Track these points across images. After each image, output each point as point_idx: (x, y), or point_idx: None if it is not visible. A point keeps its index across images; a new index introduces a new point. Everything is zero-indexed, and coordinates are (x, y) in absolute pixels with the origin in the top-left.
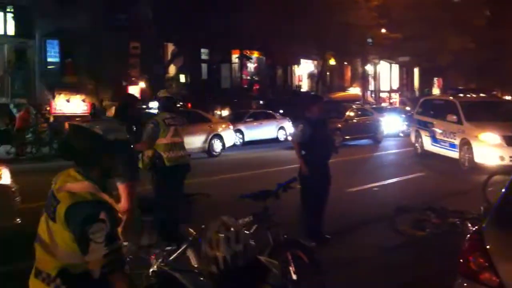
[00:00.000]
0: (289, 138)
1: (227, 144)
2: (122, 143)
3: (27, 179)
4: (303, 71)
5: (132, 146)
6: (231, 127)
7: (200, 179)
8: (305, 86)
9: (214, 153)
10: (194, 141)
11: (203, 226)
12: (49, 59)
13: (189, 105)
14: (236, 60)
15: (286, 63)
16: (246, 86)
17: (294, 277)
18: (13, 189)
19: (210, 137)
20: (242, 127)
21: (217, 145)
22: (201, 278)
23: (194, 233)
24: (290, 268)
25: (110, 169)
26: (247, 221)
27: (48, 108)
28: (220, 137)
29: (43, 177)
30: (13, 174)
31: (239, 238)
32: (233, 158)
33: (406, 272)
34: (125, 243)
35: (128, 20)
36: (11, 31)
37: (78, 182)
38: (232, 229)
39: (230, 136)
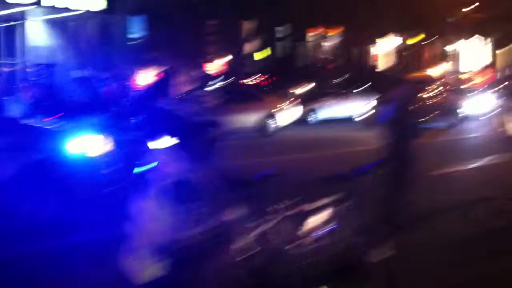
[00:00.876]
0: (357, 118)
1: (282, 124)
2: None
3: None
4: (380, 50)
5: None
6: (288, 105)
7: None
8: (381, 66)
9: (267, 132)
10: (247, 120)
11: (281, 205)
12: (131, 35)
13: (267, 82)
14: (312, 39)
15: (363, 42)
16: (320, 65)
17: None
18: None
19: (263, 116)
20: (315, 106)
21: (271, 124)
22: None
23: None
24: None
25: None
26: (325, 203)
27: (128, 83)
28: (273, 117)
29: None
30: None
31: None
32: (299, 138)
33: (479, 266)
34: None
35: None
36: (96, 6)
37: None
38: None
39: (285, 116)
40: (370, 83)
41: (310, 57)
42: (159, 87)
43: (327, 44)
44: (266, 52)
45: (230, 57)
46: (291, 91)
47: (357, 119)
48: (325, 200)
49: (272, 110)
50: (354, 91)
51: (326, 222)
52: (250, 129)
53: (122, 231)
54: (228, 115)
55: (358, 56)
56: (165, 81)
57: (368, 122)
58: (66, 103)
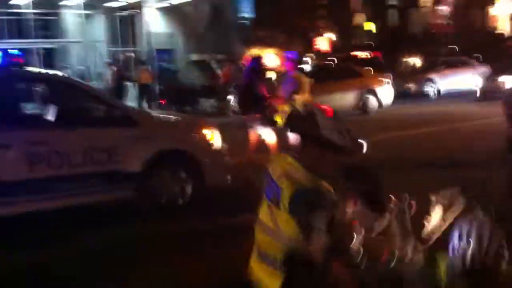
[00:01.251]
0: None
1: (384, 102)
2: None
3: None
4: (500, 11)
5: None
6: (389, 81)
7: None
8: (504, 29)
9: (368, 110)
10: (345, 98)
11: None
12: (243, 15)
13: (379, 54)
14: (425, 4)
15: (482, 3)
16: (434, 31)
17: None
18: (224, 151)
19: (362, 93)
20: (434, 76)
21: (372, 102)
22: None
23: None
24: None
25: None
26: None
27: (243, 63)
28: (374, 93)
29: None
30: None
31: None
32: (406, 113)
33: None
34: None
35: None
36: None
37: (297, 170)
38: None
39: (386, 92)
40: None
41: (424, 24)
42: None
43: (441, 8)
44: (378, 21)
45: (338, 30)
46: (404, 61)
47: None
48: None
49: (375, 85)
50: (477, 58)
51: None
52: (351, 108)
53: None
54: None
55: (479, 19)
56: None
57: (489, 95)
58: (184, 87)
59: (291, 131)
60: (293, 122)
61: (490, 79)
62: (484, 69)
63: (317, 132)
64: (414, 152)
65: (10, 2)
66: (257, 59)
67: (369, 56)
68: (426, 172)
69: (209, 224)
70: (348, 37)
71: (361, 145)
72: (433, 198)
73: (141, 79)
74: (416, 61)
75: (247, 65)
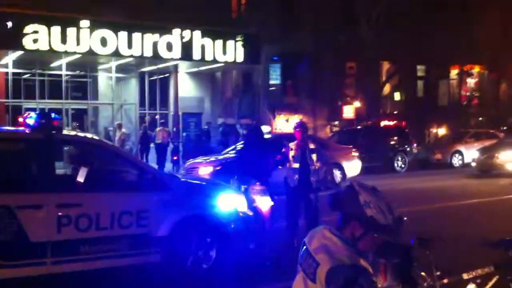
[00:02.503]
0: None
1: (349, 175)
2: None
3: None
4: None
5: None
6: (356, 154)
7: None
8: None
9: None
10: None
11: (438, 272)
12: (271, 82)
13: (404, 123)
14: (455, 76)
15: (510, 75)
16: (465, 103)
17: None
18: (249, 216)
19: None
20: (461, 148)
21: (336, 175)
22: None
23: (429, 279)
24: None
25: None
26: (487, 271)
27: (269, 128)
28: (339, 166)
29: None
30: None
31: None
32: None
33: None
34: None
35: (346, 41)
36: (239, 57)
37: (336, 245)
38: None
39: (353, 166)
40: None
41: (454, 95)
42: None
43: (472, 81)
44: (406, 91)
45: (368, 98)
46: (431, 131)
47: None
48: (488, 269)
49: (341, 159)
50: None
51: None
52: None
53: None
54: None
55: (508, 91)
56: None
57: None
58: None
59: (333, 209)
60: (336, 199)
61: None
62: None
63: (360, 211)
64: (444, 227)
65: (51, 65)
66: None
67: (393, 125)
68: (458, 247)
69: None
70: (375, 105)
71: (402, 221)
72: (465, 276)
73: (158, 139)
74: (443, 132)
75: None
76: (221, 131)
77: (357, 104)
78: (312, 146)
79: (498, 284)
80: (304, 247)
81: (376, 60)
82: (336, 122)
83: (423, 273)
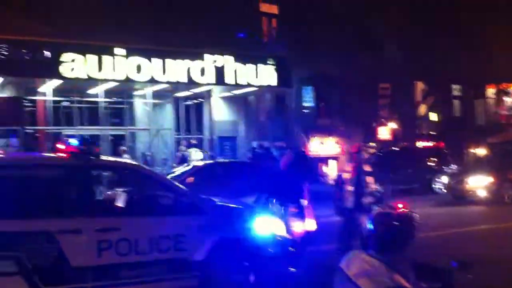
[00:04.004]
0: None
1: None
2: None
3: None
4: None
5: None
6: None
7: None
8: None
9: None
10: None
11: None
12: (304, 104)
13: (442, 144)
14: (492, 95)
15: None
16: (504, 122)
17: None
18: (286, 240)
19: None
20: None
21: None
22: None
23: None
24: None
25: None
26: None
27: (304, 150)
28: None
29: None
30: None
31: None
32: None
33: None
34: None
35: (378, 61)
36: (272, 81)
37: (377, 268)
38: None
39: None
40: None
41: (491, 115)
42: None
43: (509, 99)
44: (442, 112)
45: (404, 119)
46: (470, 151)
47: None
48: None
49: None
50: None
51: None
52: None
53: None
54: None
55: None
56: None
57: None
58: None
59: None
60: (386, 222)
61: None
62: None
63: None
64: (485, 249)
65: (88, 92)
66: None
67: (431, 146)
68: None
69: None
70: (411, 126)
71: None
72: None
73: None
74: (481, 152)
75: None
76: (252, 155)
77: (392, 125)
78: (368, 168)
79: None
80: (340, 272)
81: (410, 80)
82: (372, 144)
83: None
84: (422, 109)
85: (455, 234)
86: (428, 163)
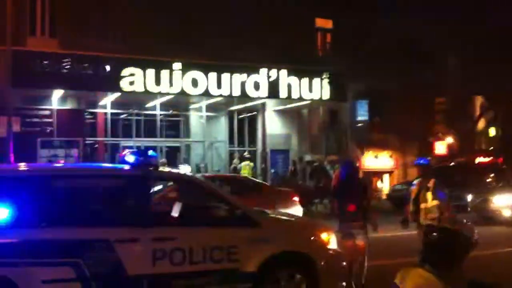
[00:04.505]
0: None
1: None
2: None
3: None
4: None
5: None
6: (297, 199)
7: None
8: None
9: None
10: None
11: None
12: (358, 118)
13: (501, 159)
14: None
15: None
16: None
17: None
18: (340, 255)
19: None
20: None
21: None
22: None
23: None
24: None
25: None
26: None
27: (357, 164)
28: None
29: None
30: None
31: None
32: None
33: None
34: None
35: (435, 76)
36: (325, 94)
37: (432, 283)
38: None
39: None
40: None
41: None
42: None
43: None
44: (502, 126)
45: (461, 134)
46: None
47: None
48: None
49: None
50: None
51: None
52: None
53: None
54: None
55: None
56: None
57: None
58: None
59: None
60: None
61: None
62: None
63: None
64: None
65: (146, 105)
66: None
67: (489, 161)
68: None
69: None
70: (469, 141)
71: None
72: None
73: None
74: None
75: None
76: (310, 172)
77: (449, 140)
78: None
79: None
80: (394, 286)
81: (467, 94)
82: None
83: None
84: (481, 124)
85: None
86: (486, 179)
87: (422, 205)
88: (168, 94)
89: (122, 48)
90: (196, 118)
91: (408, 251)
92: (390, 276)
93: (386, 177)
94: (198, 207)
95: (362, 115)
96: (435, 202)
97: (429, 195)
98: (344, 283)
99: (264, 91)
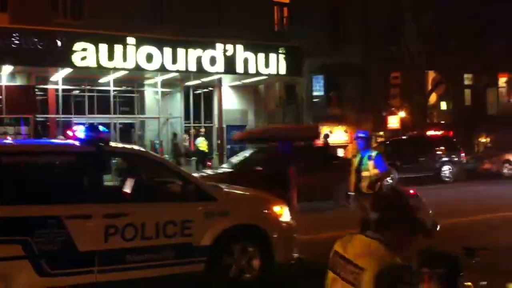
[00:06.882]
0: None
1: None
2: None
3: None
4: None
5: None
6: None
7: None
8: None
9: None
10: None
11: (484, 282)
12: (314, 93)
13: (451, 133)
14: (504, 84)
15: None
16: None
17: None
18: (292, 227)
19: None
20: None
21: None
22: None
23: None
24: None
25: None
26: None
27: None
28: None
29: None
30: None
31: None
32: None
33: None
34: None
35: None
36: (282, 70)
37: (377, 249)
38: None
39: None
40: None
41: (503, 104)
42: None
43: None
44: (453, 101)
45: (414, 108)
46: (481, 140)
47: None
48: None
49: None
50: None
51: None
52: None
53: None
54: None
55: None
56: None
57: None
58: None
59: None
60: (386, 204)
61: None
62: None
63: (410, 214)
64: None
65: (99, 81)
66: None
67: (440, 135)
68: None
69: None
70: (421, 115)
71: (436, 225)
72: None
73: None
74: (492, 141)
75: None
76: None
77: (402, 114)
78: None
79: None
80: (335, 254)
81: (422, 69)
82: (381, 133)
83: (469, 283)
84: (433, 98)
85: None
86: (437, 152)
87: (365, 173)
88: (122, 69)
89: (73, 23)
90: (151, 94)
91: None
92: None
93: (340, 151)
94: (151, 182)
95: (318, 90)
96: (377, 171)
97: (371, 164)
98: (296, 255)
99: (220, 66)
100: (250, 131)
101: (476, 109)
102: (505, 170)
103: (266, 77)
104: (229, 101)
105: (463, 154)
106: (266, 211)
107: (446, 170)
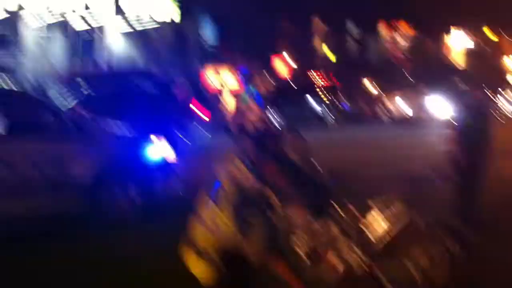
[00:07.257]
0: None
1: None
2: None
3: None
4: (456, 43)
5: None
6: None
7: None
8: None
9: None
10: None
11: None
12: (205, 41)
13: (334, 79)
14: (386, 34)
15: (435, 31)
16: (393, 61)
17: None
18: (176, 162)
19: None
20: (390, 104)
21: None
22: None
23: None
24: None
25: None
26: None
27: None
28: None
29: None
30: None
31: None
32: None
33: None
34: None
35: None
36: (174, 16)
37: (242, 171)
38: None
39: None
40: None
41: (382, 55)
42: None
43: (401, 39)
44: (337, 48)
45: (299, 54)
46: (362, 88)
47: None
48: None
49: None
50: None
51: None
52: None
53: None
54: None
55: (434, 49)
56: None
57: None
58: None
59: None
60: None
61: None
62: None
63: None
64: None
65: None
66: None
67: (326, 83)
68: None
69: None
70: (308, 64)
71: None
72: (372, 204)
73: None
74: (372, 88)
75: None
76: None
77: (288, 58)
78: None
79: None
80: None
81: (307, 17)
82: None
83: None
84: (319, 44)
85: None
86: (321, 98)
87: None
88: (6, 12)
89: None
90: (35, 38)
91: None
92: None
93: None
94: (30, 121)
95: (210, 37)
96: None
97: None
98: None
99: (111, 12)
100: None
101: (360, 58)
102: (383, 115)
103: (158, 23)
104: (118, 47)
105: (345, 101)
106: (145, 148)
107: (329, 115)
